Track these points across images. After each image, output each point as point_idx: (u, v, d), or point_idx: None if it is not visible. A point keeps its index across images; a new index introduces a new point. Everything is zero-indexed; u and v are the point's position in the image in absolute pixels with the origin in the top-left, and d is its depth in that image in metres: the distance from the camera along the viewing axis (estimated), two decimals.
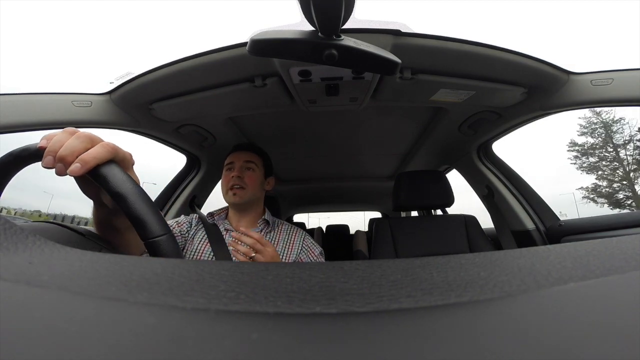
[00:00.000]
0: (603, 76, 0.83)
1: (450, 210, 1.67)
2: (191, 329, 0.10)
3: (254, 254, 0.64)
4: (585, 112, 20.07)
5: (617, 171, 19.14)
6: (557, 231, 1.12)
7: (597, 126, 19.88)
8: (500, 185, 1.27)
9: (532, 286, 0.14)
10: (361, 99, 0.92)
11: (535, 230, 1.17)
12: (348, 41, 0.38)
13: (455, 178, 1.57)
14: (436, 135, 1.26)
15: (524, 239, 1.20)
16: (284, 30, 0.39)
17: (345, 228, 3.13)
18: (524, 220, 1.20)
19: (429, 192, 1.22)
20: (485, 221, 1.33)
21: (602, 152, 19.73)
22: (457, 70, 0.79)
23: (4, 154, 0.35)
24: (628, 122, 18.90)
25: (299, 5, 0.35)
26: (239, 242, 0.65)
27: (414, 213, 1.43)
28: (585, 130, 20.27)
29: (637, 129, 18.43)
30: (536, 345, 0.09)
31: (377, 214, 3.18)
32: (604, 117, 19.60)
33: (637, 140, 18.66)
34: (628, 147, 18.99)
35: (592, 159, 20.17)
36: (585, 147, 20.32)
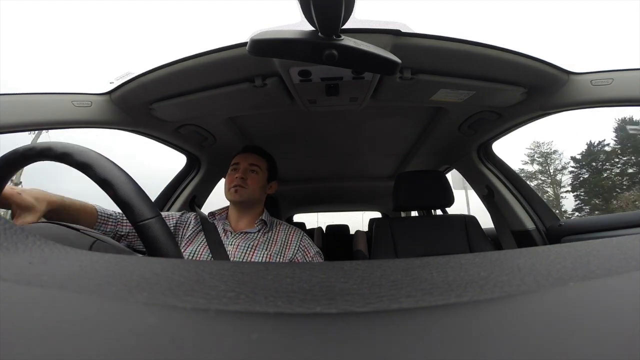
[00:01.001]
0: (603, 76, 0.83)
1: (451, 210, 1.67)
2: (191, 329, 0.10)
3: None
4: (531, 144, 26.62)
5: (549, 193, 25.51)
6: (557, 231, 1.12)
7: (538, 156, 26.50)
8: (500, 185, 1.27)
9: (532, 286, 0.14)
10: (361, 99, 0.92)
11: (535, 231, 1.17)
12: (348, 41, 0.38)
13: None
14: (436, 135, 1.26)
15: (524, 239, 1.20)
16: (284, 30, 0.39)
17: (345, 228, 3.12)
18: (524, 220, 1.20)
19: (429, 192, 1.22)
20: (485, 221, 1.33)
21: (541, 177, 26.31)
22: (457, 70, 0.79)
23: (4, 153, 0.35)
24: (562, 153, 25.67)
25: (299, 5, 0.35)
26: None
27: (414, 213, 1.43)
28: (528, 160, 26.97)
29: (570, 158, 24.31)
30: (536, 345, 0.09)
31: (377, 214, 3.19)
32: (544, 149, 26.33)
33: (571, 167, 24.44)
34: (560, 173, 25.59)
35: (533, 183, 25.77)
36: (529, 173, 26.50)
